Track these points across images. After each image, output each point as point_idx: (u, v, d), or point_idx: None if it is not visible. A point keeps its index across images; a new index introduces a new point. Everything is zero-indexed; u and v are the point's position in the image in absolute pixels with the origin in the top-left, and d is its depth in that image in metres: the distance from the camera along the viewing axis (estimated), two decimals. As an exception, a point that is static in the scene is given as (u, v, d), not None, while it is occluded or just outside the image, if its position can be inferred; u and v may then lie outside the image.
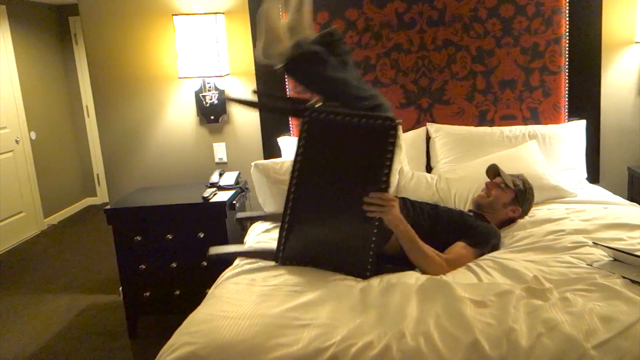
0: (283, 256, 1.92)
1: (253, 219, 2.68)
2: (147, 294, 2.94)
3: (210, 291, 1.91)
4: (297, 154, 1.84)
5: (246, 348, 1.47)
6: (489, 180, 2.42)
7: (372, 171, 1.78)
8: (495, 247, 2.13)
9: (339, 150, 1.82)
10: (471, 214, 2.32)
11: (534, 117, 3.13)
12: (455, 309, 1.56)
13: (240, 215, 2.64)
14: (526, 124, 3.08)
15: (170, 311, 2.97)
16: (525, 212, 2.40)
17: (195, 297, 2.68)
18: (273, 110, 2.04)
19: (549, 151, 2.93)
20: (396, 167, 2.78)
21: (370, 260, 1.84)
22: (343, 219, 1.84)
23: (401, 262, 1.98)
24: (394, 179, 2.73)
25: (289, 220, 1.88)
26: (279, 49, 2.04)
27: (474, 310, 1.55)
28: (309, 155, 1.83)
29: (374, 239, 1.82)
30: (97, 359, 2.83)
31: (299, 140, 1.84)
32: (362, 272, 1.84)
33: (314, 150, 1.83)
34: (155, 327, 3.15)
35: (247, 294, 1.77)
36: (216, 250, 2.19)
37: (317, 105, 1.86)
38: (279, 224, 1.93)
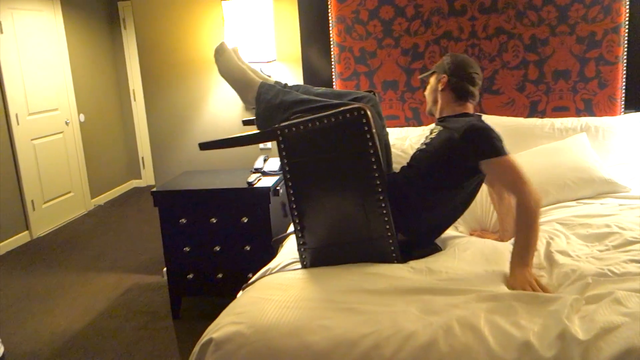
0: (308, 265, 1.95)
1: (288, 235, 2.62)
2: (190, 276, 2.99)
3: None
4: (285, 174, 1.90)
5: (289, 329, 1.48)
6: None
7: (360, 163, 1.83)
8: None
9: (322, 156, 1.86)
10: (442, 128, 2.14)
11: (588, 109, 3.02)
12: (508, 306, 1.51)
13: (275, 238, 2.63)
14: (579, 116, 2.98)
15: (212, 294, 3.01)
16: (458, 75, 2.18)
17: (237, 280, 2.70)
18: (246, 142, 2.09)
19: (603, 144, 2.82)
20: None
21: (392, 247, 1.88)
22: (350, 217, 1.88)
23: (429, 243, 2.03)
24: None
25: (302, 236, 1.93)
26: (252, 94, 2.17)
27: (526, 310, 1.50)
28: (296, 172, 1.88)
29: (387, 227, 1.86)
30: (142, 337, 2.90)
31: (281, 160, 1.89)
32: (389, 260, 1.89)
33: (300, 165, 1.88)
34: (198, 309, 3.20)
35: (293, 280, 1.79)
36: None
37: (282, 124, 1.89)
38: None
